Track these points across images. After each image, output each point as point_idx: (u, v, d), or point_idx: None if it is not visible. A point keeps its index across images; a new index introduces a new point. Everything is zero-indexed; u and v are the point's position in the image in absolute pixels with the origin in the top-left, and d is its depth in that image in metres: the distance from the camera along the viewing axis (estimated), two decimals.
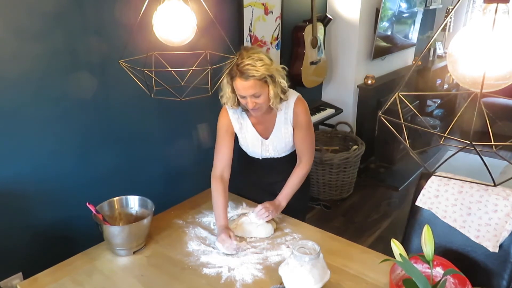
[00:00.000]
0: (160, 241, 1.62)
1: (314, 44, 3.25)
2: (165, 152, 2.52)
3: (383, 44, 3.87)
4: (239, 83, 1.53)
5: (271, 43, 3.06)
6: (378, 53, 3.81)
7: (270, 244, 1.59)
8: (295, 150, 1.80)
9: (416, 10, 4.24)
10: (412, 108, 1.00)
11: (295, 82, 3.24)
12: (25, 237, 1.98)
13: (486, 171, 0.77)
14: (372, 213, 3.37)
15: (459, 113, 1.02)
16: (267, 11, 2.93)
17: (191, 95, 1.26)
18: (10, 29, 1.72)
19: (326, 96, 3.86)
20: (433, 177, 1.60)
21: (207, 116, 2.52)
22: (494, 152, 0.81)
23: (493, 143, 0.77)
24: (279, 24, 3.06)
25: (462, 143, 0.70)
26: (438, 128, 4.63)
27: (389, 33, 3.90)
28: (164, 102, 2.28)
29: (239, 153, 1.86)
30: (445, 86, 5.19)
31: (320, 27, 3.32)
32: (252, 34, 2.86)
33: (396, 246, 1.18)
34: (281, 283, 1.32)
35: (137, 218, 1.61)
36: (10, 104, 1.79)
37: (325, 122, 3.63)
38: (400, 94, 0.83)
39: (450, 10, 3.84)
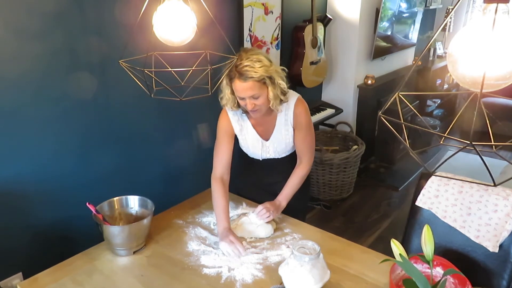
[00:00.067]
0: (160, 241, 1.62)
1: (314, 44, 3.25)
2: (165, 152, 2.52)
3: (383, 44, 3.87)
4: (238, 84, 1.53)
5: (271, 43, 3.06)
6: (378, 53, 3.80)
7: (270, 244, 1.59)
8: (295, 150, 1.80)
9: (416, 10, 4.23)
10: (412, 108, 1.00)
11: (295, 82, 3.24)
12: (25, 237, 1.98)
13: (486, 171, 0.77)
14: (372, 213, 3.37)
15: (459, 113, 1.02)
16: (267, 11, 2.93)
17: (191, 95, 1.26)
18: (10, 29, 1.72)
19: (326, 96, 3.86)
20: (433, 177, 1.60)
21: (207, 116, 2.53)
22: (494, 152, 0.81)
23: (493, 143, 0.77)
24: (279, 24, 3.06)
25: (462, 143, 0.70)
26: (438, 128, 4.63)
27: (389, 33, 3.90)
28: (164, 102, 2.28)
29: (239, 154, 1.85)
30: (445, 86, 5.19)
31: (320, 27, 3.32)
32: (252, 34, 2.85)
33: (396, 246, 1.18)
34: (281, 283, 1.32)
35: (137, 218, 1.61)
36: (10, 104, 1.79)
37: (325, 122, 3.63)
38: (400, 94, 0.83)
39: (450, 10, 3.83)
